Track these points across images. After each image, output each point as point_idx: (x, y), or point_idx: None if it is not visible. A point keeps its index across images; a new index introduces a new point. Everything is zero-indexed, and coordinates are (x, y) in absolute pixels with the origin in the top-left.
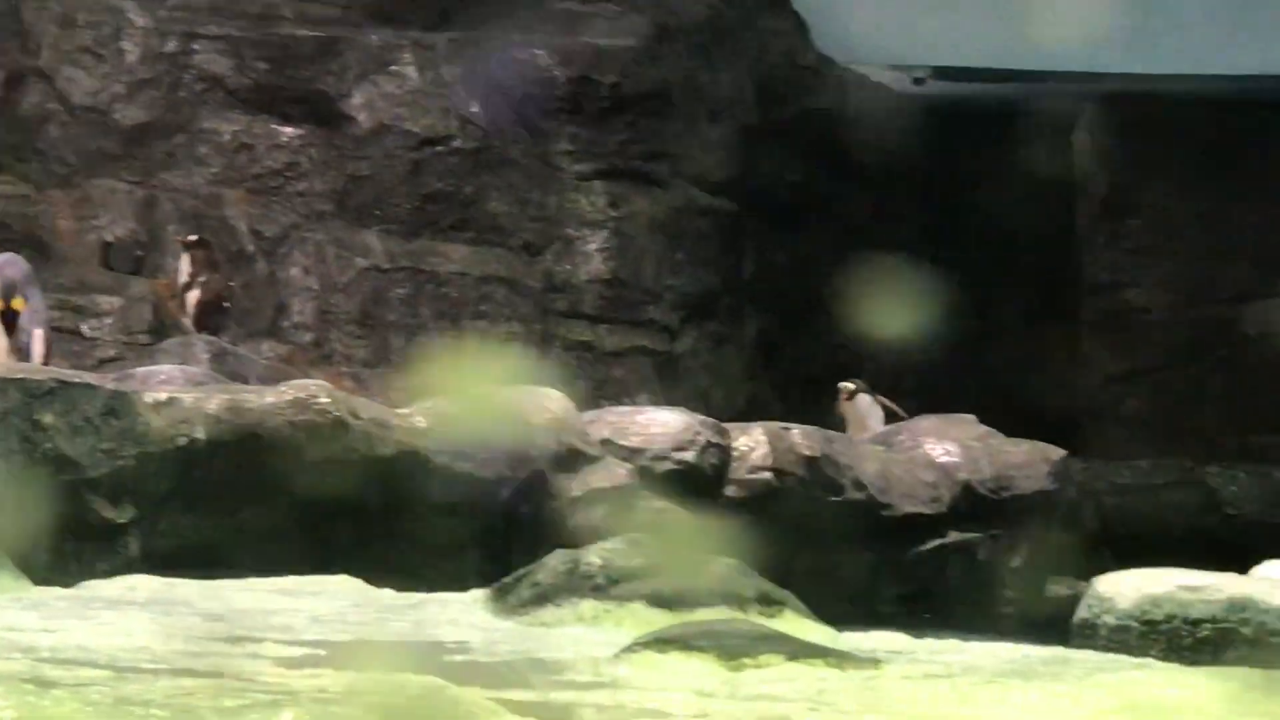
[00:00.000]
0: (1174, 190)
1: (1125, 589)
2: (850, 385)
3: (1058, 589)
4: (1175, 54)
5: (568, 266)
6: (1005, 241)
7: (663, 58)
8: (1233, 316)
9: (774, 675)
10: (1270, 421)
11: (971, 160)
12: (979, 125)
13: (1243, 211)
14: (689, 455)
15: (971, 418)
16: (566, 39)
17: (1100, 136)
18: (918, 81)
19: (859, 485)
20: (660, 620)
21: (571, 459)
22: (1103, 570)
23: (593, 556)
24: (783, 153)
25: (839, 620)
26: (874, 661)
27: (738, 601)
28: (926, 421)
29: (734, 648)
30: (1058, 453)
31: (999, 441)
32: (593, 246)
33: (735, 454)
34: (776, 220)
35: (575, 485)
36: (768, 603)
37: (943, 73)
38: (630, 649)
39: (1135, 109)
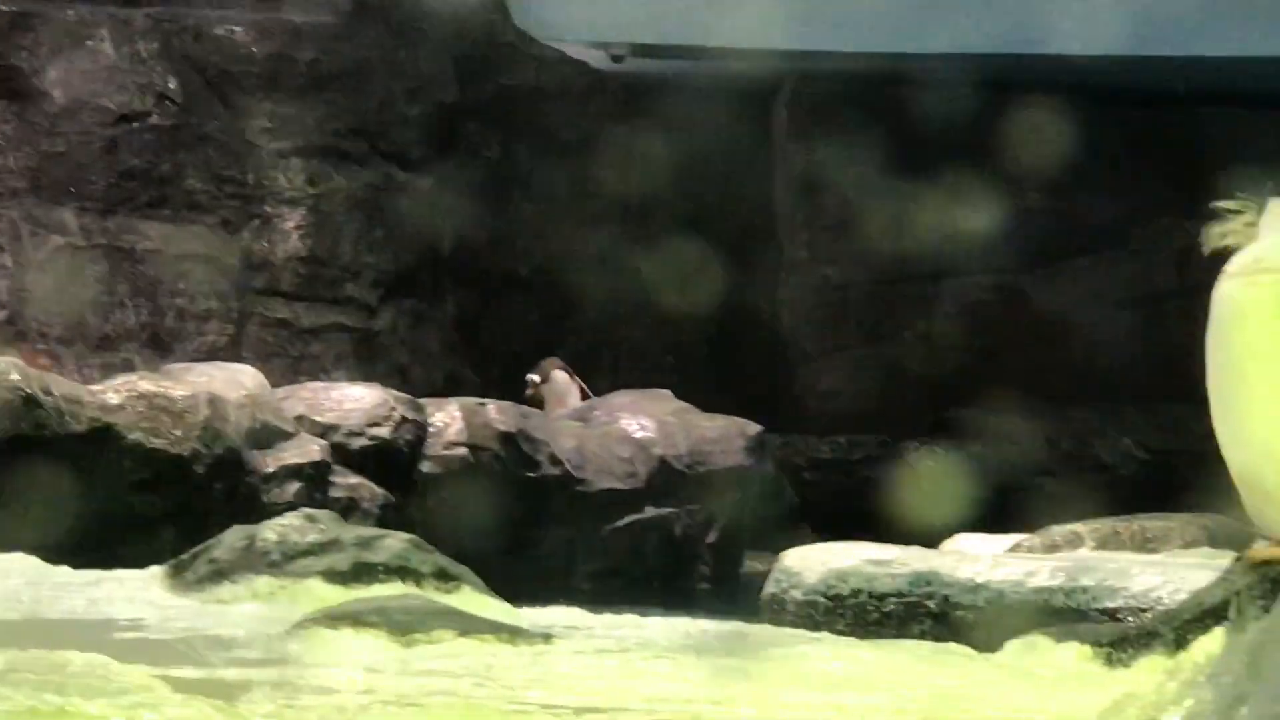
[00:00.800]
0: (872, 168)
1: (812, 563)
2: (536, 378)
3: (755, 564)
4: (874, 32)
5: (265, 244)
6: (704, 218)
7: (361, 35)
8: (929, 293)
9: (445, 651)
10: (966, 397)
11: (670, 137)
12: (678, 102)
13: (940, 189)
14: (383, 431)
15: (667, 393)
16: (264, 15)
17: (799, 114)
18: (616, 59)
19: (555, 461)
20: (336, 596)
21: (266, 435)
22: (802, 545)
23: (269, 532)
24: (482, 130)
25: (535, 596)
26: (546, 637)
27: (414, 577)
28: (623, 397)
29: (406, 623)
30: (754, 428)
31: (695, 416)
32: (290, 224)
33: (431, 430)
34: (476, 197)
35: (269, 461)
36: (445, 578)
37: (642, 50)
38: (301, 625)
39: (834, 86)
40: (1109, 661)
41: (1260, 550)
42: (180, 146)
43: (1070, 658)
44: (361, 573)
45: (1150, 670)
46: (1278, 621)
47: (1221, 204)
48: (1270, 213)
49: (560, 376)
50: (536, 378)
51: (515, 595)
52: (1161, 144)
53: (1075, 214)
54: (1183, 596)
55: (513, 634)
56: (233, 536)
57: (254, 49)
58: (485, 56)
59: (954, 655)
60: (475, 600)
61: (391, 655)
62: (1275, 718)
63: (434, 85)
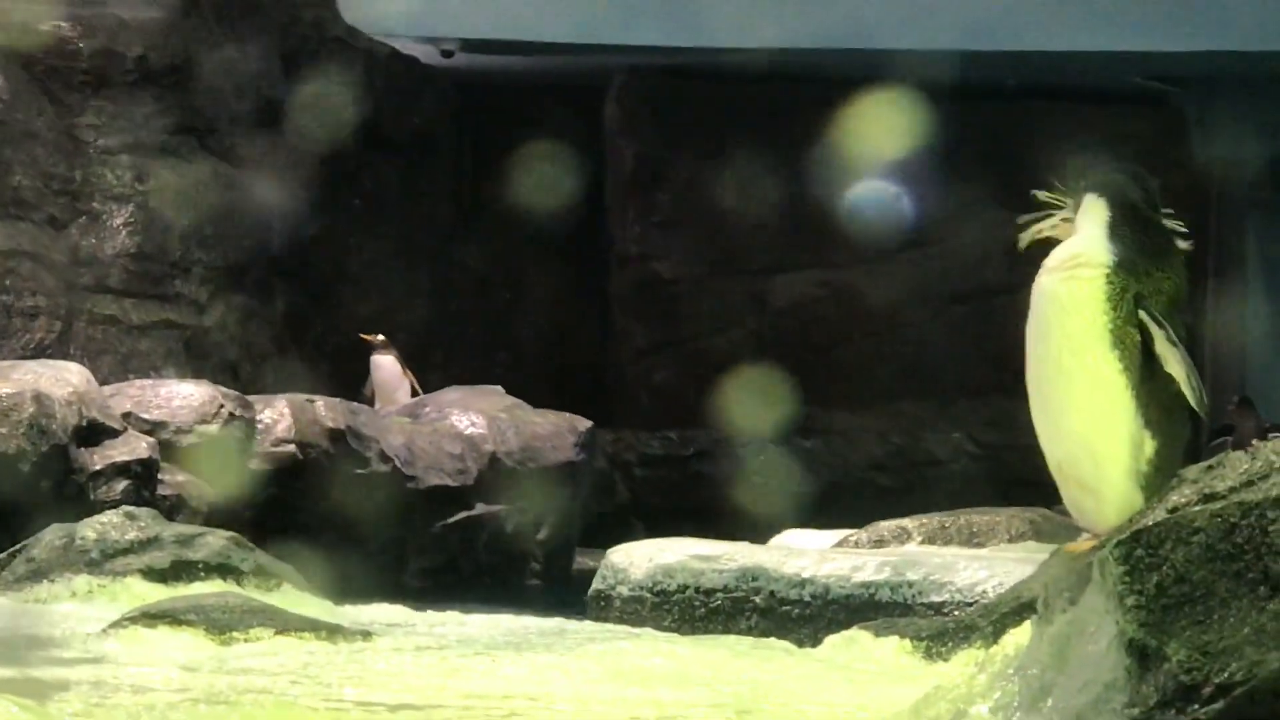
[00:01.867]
0: (702, 163)
1: (638, 560)
2: (382, 336)
3: (586, 561)
4: (704, 27)
5: (94, 240)
6: (535, 214)
7: (189, 30)
8: (760, 289)
9: (262, 649)
10: (797, 392)
11: (501, 132)
12: (508, 97)
13: (770, 184)
14: (212, 428)
15: (498, 389)
16: (91, 10)
17: (629, 109)
18: (446, 54)
19: (384, 457)
20: (155, 594)
21: (93, 432)
22: (632, 541)
23: (88, 531)
24: (311, 125)
25: (366, 594)
26: (366, 634)
27: (235, 575)
28: (453, 393)
29: (223, 621)
30: (585, 424)
31: (525, 413)
32: (119, 220)
33: (259, 427)
34: (305, 193)
35: (97, 459)
36: (265, 576)
37: (471, 45)
38: (118, 624)
39: (664, 81)
40: (928, 655)
41: (1079, 544)
42: (6, 143)
43: (889, 652)
44: (181, 570)
45: (968, 664)
46: (1083, 614)
47: (1039, 197)
48: (1086, 208)
49: (392, 368)
50: (380, 336)
51: (345, 592)
52: (991, 138)
53: (906, 208)
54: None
55: (331, 632)
56: (51, 535)
57: (81, 44)
58: (314, 52)
59: (773, 650)
60: (295, 598)
61: (208, 653)
62: (1080, 709)
63: (262, 80)
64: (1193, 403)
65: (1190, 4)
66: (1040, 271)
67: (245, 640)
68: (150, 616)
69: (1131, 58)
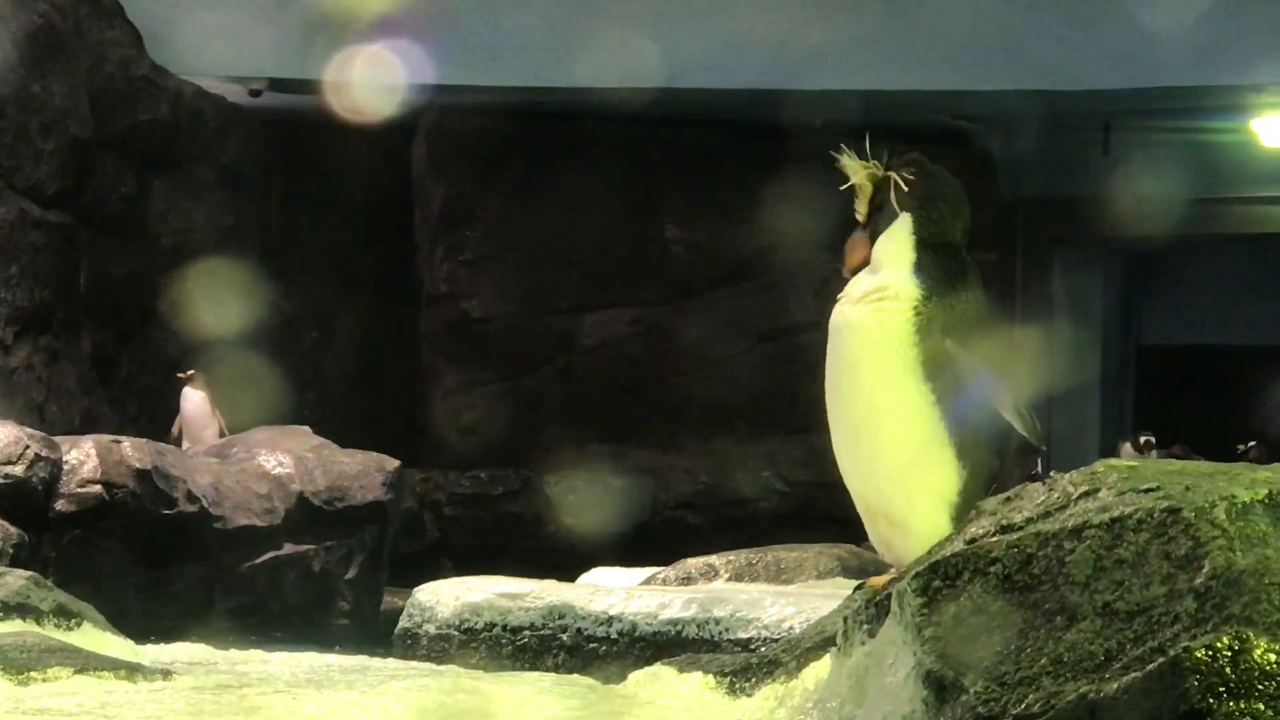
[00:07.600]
0: (511, 201)
1: (445, 598)
2: (192, 371)
3: (395, 600)
4: (516, 66)
5: None
6: (344, 253)
7: None
8: (569, 327)
9: (61, 688)
10: (606, 431)
11: (310, 171)
12: (317, 136)
13: (578, 223)
14: (17, 469)
15: (306, 429)
16: None
17: (437, 147)
18: (254, 93)
19: (191, 498)
20: None
21: None
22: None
23: None
24: (118, 164)
25: (174, 633)
26: (166, 673)
27: (34, 615)
28: (261, 433)
29: (21, 661)
30: (393, 463)
31: (333, 452)
32: None
33: (65, 467)
34: (112, 232)
35: None
36: (65, 615)
37: (280, 84)
38: None
39: (472, 120)
40: (731, 691)
41: (881, 578)
42: None
43: (693, 687)
44: None
45: (769, 698)
46: (882, 646)
47: (847, 159)
48: (897, 227)
49: (201, 404)
50: (192, 371)
51: (153, 633)
52: (800, 176)
53: (714, 246)
54: None
55: (131, 670)
56: None
57: None
58: (121, 90)
59: (576, 686)
60: (96, 637)
61: (4, 694)
62: None
63: (69, 119)
64: (1023, 430)
65: (996, 45)
66: (840, 301)
67: (43, 680)
68: None
69: (939, 97)
